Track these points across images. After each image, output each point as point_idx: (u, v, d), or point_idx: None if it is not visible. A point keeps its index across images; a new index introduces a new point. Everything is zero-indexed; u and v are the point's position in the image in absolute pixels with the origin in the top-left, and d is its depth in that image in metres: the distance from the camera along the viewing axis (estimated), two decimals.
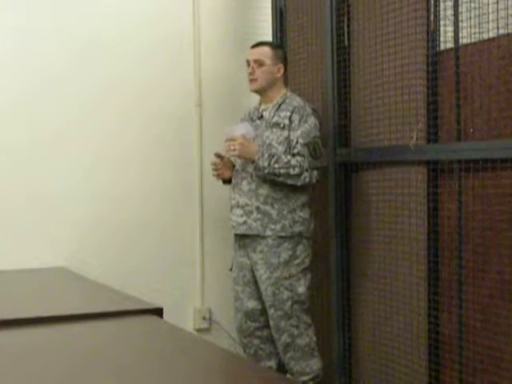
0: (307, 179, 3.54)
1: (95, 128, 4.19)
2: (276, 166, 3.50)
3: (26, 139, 4.03)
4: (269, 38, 4.31)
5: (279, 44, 4.14)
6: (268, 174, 3.52)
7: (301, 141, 3.55)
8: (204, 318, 4.42)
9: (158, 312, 2.73)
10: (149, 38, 4.31)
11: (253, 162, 3.53)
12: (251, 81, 3.70)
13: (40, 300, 3.08)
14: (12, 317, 2.61)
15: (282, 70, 3.71)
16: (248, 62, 3.71)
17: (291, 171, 3.51)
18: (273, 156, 3.51)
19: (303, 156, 3.53)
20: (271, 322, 3.64)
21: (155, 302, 2.87)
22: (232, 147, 3.54)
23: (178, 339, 2.45)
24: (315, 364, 3.66)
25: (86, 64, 4.16)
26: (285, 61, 3.78)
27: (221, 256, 4.33)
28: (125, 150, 4.26)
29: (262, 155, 3.51)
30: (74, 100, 4.14)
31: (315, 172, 3.56)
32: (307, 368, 3.64)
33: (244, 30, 4.49)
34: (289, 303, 3.59)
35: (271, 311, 3.62)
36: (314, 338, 3.67)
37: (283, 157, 3.52)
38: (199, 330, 4.40)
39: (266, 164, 3.50)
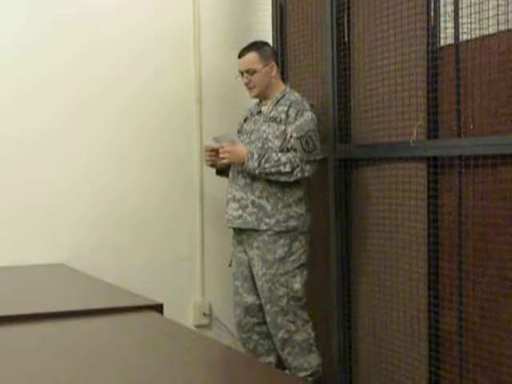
0: (299, 174, 3.53)
1: (96, 125, 4.18)
2: (266, 165, 3.51)
3: (27, 137, 4.03)
4: (269, 34, 4.31)
5: (264, 42, 4.01)
6: (260, 174, 3.53)
7: (294, 135, 3.55)
8: (204, 314, 4.42)
9: (159, 308, 2.73)
10: (149, 35, 4.30)
11: (243, 164, 3.54)
12: (250, 89, 3.70)
13: (40, 296, 3.08)
14: (12, 313, 2.61)
15: (275, 67, 3.70)
16: (241, 73, 3.70)
17: (282, 169, 3.51)
18: (263, 156, 3.52)
19: (295, 150, 3.53)
20: (268, 318, 3.64)
21: (155, 298, 2.87)
22: (221, 155, 3.57)
23: (179, 335, 2.46)
24: (314, 360, 3.66)
25: (87, 62, 4.15)
26: (275, 56, 3.76)
27: (221, 252, 4.33)
28: (125, 146, 4.26)
29: (252, 156, 3.52)
30: (75, 98, 4.13)
31: (308, 166, 3.55)
32: (305, 364, 3.64)
33: (244, 26, 4.49)
34: (285, 299, 3.59)
35: (268, 307, 3.62)
36: (313, 334, 3.67)
37: (273, 155, 3.52)
38: (199, 326, 4.40)
39: (256, 165, 3.51)
